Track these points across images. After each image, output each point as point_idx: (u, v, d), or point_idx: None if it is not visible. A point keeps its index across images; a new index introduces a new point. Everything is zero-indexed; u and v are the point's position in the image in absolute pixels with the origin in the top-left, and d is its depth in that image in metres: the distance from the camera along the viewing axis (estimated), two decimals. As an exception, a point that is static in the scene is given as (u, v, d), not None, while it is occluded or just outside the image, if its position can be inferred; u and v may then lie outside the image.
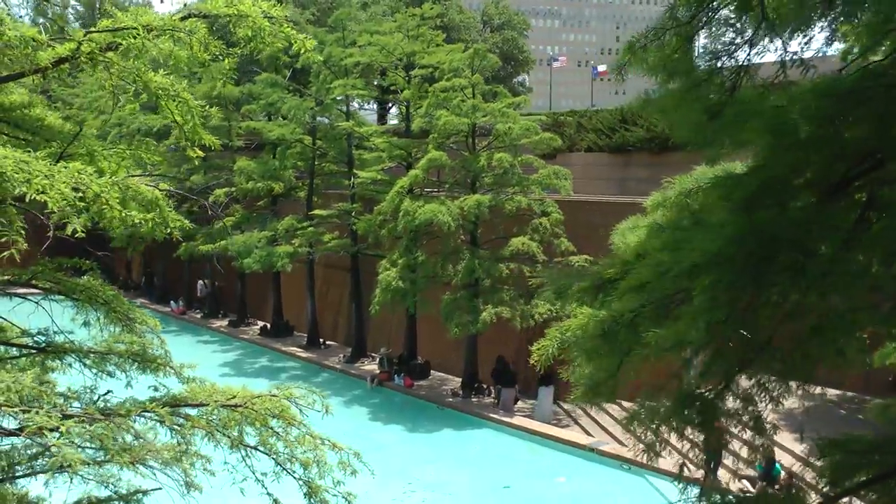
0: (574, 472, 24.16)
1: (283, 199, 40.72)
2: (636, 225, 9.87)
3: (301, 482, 8.19)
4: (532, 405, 28.87)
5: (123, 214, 6.40)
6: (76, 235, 6.21)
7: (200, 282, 48.73)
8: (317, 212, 36.60)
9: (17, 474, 9.21)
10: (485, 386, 30.73)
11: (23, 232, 6.35)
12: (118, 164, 8.73)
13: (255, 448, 8.00)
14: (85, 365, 8.83)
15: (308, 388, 8.52)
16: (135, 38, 7.24)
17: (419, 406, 30.53)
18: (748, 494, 19.22)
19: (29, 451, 9.40)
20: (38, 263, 9.63)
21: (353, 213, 35.20)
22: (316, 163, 38.02)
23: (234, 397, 8.15)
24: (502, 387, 29.32)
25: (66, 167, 6.44)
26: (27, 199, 5.85)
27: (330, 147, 37.14)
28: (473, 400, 30.42)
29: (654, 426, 7.10)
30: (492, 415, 28.46)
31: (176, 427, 7.43)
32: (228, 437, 7.84)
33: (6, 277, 9.62)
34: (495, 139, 30.02)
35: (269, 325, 42.76)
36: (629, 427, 7.66)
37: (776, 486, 19.72)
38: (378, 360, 33.98)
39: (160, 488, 7.42)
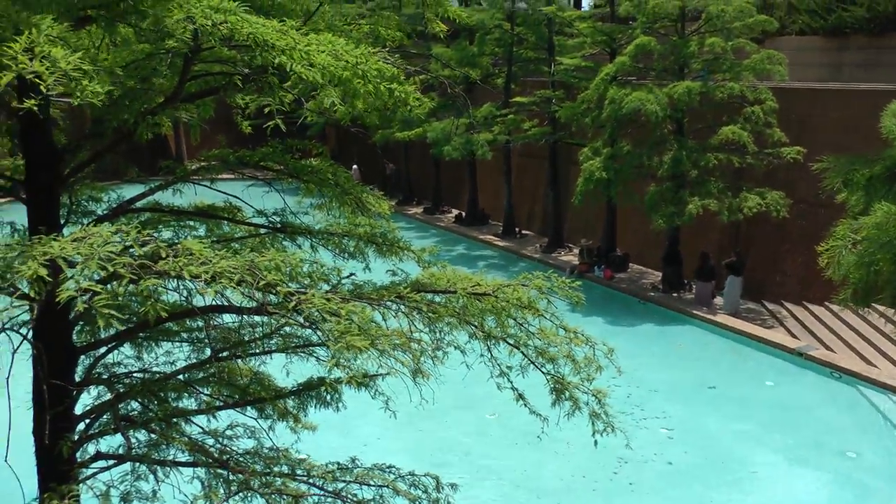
0: (781, 376, 23.00)
1: (480, 85, 40.03)
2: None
3: (549, 377, 7.76)
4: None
5: (384, 88, 5.93)
6: (335, 111, 5.78)
7: (389, 165, 48.97)
8: (517, 98, 35.81)
9: (251, 351, 9.20)
10: (685, 281, 29.71)
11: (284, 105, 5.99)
12: (359, 40, 8.30)
13: (504, 340, 7.58)
14: (324, 247, 8.64)
15: (557, 277, 8.01)
16: None
17: (619, 299, 29.84)
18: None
19: (263, 330, 9.38)
20: (267, 144, 9.44)
21: (553, 101, 34.26)
22: (514, 49, 37.02)
23: (480, 285, 7.73)
24: (700, 280, 28.28)
25: (317, 38, 6.00)
26: (290, 70, 5.45)
27: (529, 33, 36.02)
28: (674, 295, 29.51)
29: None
30: (694, 311, 27.47)
31: (430, 315, 7.07)
32: (475, 326, 7.45)
33: (237, 155, 9.48)
34: (706, 22, 28.27)
35: (463, 213, 42.73)
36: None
37: None
38: (579, 251, 33.36)
39: (389, 374, 7.10)
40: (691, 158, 27.04)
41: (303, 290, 5.94)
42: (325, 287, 7.41)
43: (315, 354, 9.01)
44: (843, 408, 20.99)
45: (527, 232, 39.53)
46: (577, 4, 54.65)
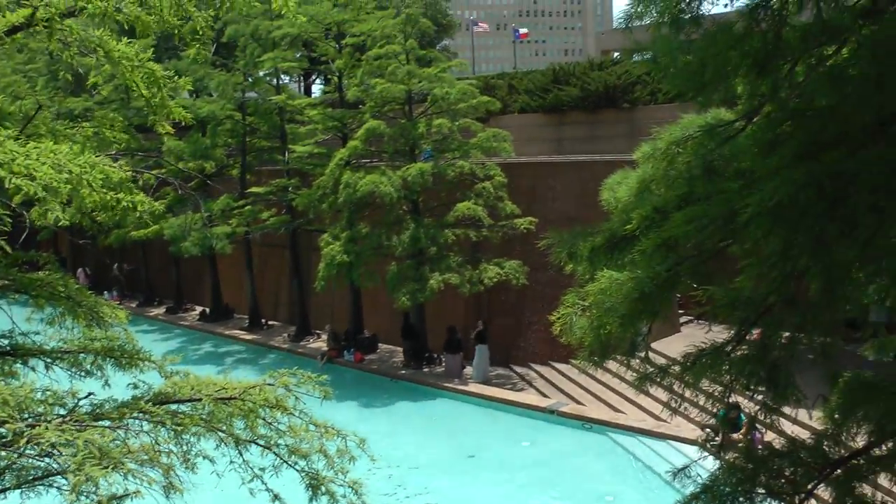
0: (536, 434, 23.92)
1: (216, 178, 39.56)
2: (625, 178, 9.44)
3: (303, 474, 7.64)
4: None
5: (110, 198, 5.73)
6: (59, 225, 5.53)
7: (124, 266, 47.18)
8: (254, 189, 35.60)
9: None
10: (435, 355, 30.34)
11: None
12: (83, 144, 8.00)
13: (253, 442, 7.41)
14: (58, 367, 8.15)
15: (303, 373, 7.96)
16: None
17: (372, 380, 30.00)
18: (712, 443, 19.19)
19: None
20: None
21: (289, 189, 34.36)
22: (248, 139, 36.92)
23: (225, 388, 7.55)
24: (448, 353, 29.00)
25: (36, 147, 5.74)
26: (9, 184, 5.17)
27: (261, 122, 36.09)
28: (425, 370, 30.02)
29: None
30: (446, 384, 28.08)
31: (176, 427, 6.80)
32: (223, 431, 7.24)
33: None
34: (432, 105, 29.46)
35: (208, 310, 41.70)
36: (641, 386, 7.32)
37: (740, 434, 19.75)
38: (327, 336, 33.30)
39: (137, 492, 6.76)
40: (429, 235, 27.82)
41: (35, 421, 5.56)
42: (62, 412, 6.96)
43: (56, 485, 8.42)
44: (598, 455, 22.18)
45: (273, 322, 39.09)
46: (308, 91, 55.31)
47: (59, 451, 5.16)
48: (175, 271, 43.24)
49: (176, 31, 7.29)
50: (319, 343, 34.55)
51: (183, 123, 8.88)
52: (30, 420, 5.65)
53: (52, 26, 6.94)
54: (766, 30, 6.89)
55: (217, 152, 36.87)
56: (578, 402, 25.01)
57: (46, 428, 5.30)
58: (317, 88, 58.92)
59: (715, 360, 6.35)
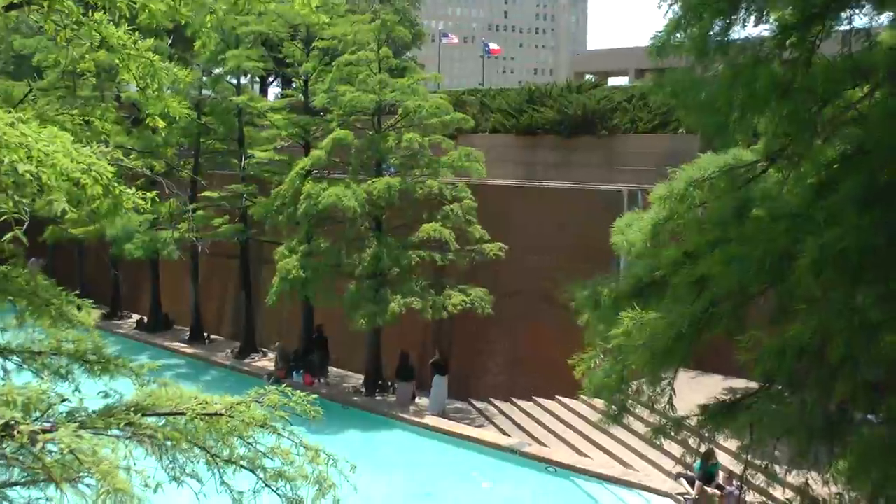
0: (496, 474, 23.90)
1: (166, 179, 39.12)
2: (635, 220, 9.61)
3: (284, 499, 7.64)
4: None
5: (118, 191, 5.73)
6: (66, 217, 5.51)
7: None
8: (207, 193, 35.40)
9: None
10: (389, 382, 30.31)
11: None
12: (73, 131, 7.95)
13: (238, 464, 7.40)
14: (28, 368, 8.08)
15: (293, 391, 7.98)
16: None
17: (322, 406, 29.71)
18: (687, 496, 19.41)
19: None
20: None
21: (245, 196, 34.24)
22: (202, 140, 36.72)
23: (209, 403, 7.54)
24: (400, 381, 29.01)
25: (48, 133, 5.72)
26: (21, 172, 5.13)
27: (218, 123, 35.91)
28: (378, 398, 29.98)
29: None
30: (401, 414, 28.05)
31: (164, 443, 6.77)
32: (210, 451, 7.22)
33: None
34: (403, 118, 29.55)
35: (146, 319, 41.31)
36: (656, 439, 7.45)
37: (715, 485, 19.96)
38: (275, 355, 33.12)
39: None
40: (392, 256, 27.82)
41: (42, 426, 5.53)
42: (36, 415, 6.90)
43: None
44: (561, 501, 22.20)
45: (216, 337, 38.83)
46: (264, 93, 55.00)
47: (78, 456, 5.13)
48: (114, 275, 42.75)
49: (184, 24, 7.29)
50: (266, 362, 34.35)
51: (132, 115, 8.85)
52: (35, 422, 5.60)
53: (51, 4, 6.93)
54: (796, 57, 7.08)
55: (168, 151, 36.55)
56: (541, 443, 25.06)
57: (62, 432, 5.27)
58: (272, 92, 58.80)
59: (740, 413, 6.47)
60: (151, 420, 7.30)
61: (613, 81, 76.29)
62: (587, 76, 75.73)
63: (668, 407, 7.33)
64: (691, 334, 6.15)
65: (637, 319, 6.62)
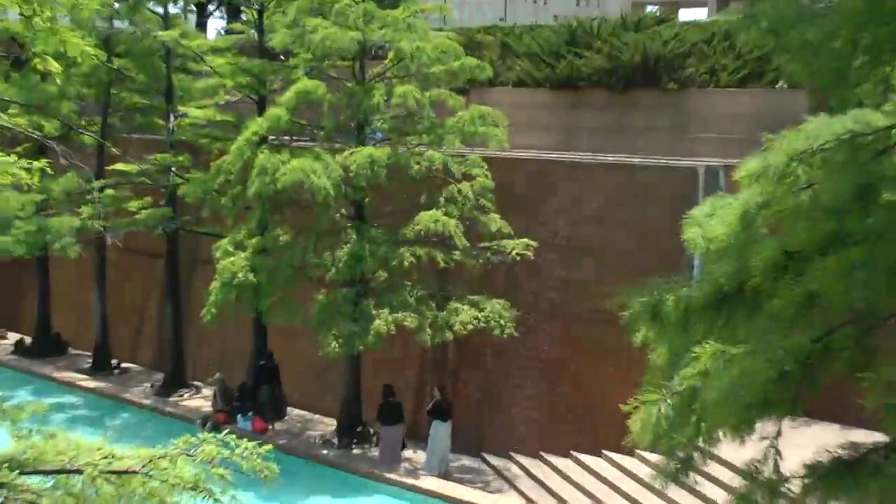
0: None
1: (59, 144, 39.14)
2: (717, 208, 9.47)
3: None
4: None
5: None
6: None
7: None
8: (120, 166, 35.42)
9: None
10: (370, 430, 30.27)
11: None
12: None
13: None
14: None
15: (239, 441, 7.92)
16: None
17: (280, 460, 29.72)
18: None
19: None
20: None
21: (174, 170, 34.24)
22: (113, 91, 36.72)
23: (117, 458, 7.48)
24: (383, 425, 29.03)
25: None
26: None
27: (136, 68, 35.90)
28: (356, 451, 29.97)
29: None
30: (388, 474, 28.07)
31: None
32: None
33: None
34: (395, 64, 29.43)
35: (28, 340, 41.36)
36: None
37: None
38: (213, 392, 33.13)
39: None
40: (377, 254, 27.71)
41: None
42: None
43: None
44: None
45: (130, 365, 38.98)
46: (201, 27, 54.92)
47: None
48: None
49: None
50: (200, 400, 34.39)
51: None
52: None
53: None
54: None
55: (64, 106, 36.47)
56: (579, 513, 25.16)
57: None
58: (214, 27, 58.86)
59: (863, 475, 6.39)
60: (34, 480, 7.24)
61: (686, 14, 76.47)
62: (649, 7, 75.87)
63: (771, 472, 7.25)
64: (798, 374, 6.06)
65: (720, 356, 6.52)
